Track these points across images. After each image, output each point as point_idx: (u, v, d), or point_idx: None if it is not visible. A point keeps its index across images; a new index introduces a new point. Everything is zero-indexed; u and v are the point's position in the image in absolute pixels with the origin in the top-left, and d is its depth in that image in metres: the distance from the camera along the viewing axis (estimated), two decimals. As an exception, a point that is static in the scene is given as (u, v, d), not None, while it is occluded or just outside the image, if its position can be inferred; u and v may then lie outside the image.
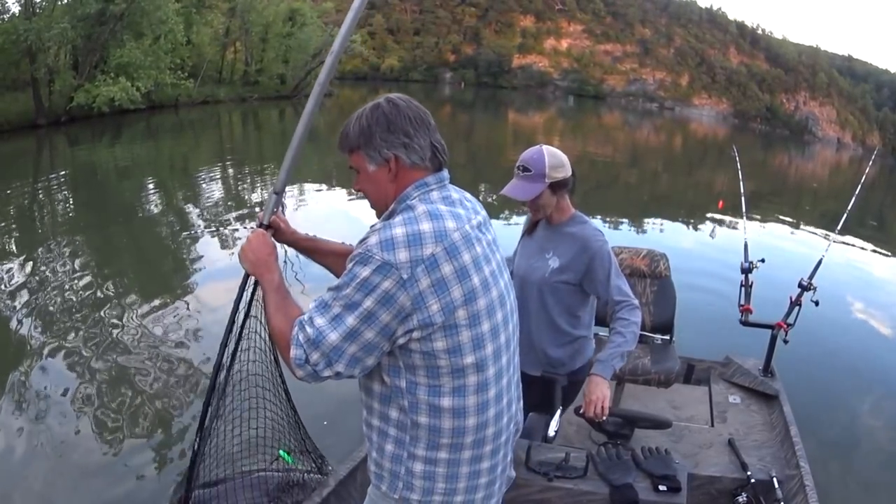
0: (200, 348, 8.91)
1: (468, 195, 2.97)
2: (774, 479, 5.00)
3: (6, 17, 32.44)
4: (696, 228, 21.11)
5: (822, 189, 40.46)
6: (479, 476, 2.87)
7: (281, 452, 4.20)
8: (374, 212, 2.94)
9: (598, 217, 19.00)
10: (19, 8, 32.60)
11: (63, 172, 23.58)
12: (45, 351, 8.74)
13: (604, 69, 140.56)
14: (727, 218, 19.29)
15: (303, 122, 3.06)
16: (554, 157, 4.34)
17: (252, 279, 3.15)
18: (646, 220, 21.28)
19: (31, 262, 12.55)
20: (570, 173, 4.41)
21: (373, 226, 2.69)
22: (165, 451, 6.75)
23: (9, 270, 11.88)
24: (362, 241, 2.58)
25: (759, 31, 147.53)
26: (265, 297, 2.86)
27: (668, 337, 6.52)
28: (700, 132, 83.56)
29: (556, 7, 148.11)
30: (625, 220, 20.92)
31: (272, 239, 3.11)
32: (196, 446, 2.91)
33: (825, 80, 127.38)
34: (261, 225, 3.14)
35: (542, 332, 4.62)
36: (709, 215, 21.96)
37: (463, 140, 42.22)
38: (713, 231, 17.17)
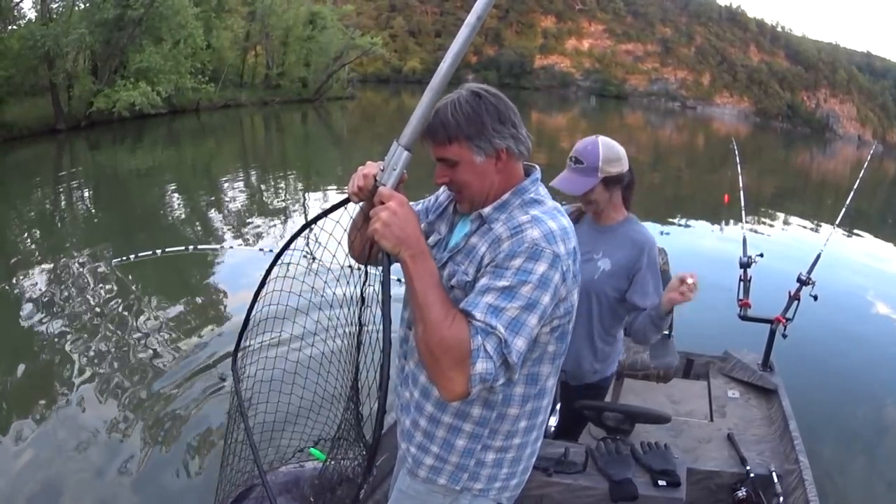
0: (221, 349, 8.86)
1: None
2: (773, 474, 5.01)
3: (22, 22, 32.64)
4: (697, 223, 21.15)
5: (843, 186, 40.31)
6: (533, 456, 2.96)
7: (312, 451, 4.09)
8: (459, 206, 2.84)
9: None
10: (36, 14, 32.85)
11: (84, 177, 23.67)
12: (67, 353, 8.76)
13: (625, 69, 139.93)
14: (729, 213, 19.24)
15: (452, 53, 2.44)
16: (610, 150, 4.18)
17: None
18: (648, 216, 21.25)
19: (52, 266, 12.63)
20: (626, 168, 4.25)
21: (497, 217, 2.64)
22: (196, 456, 6.73)
23: (31, 274, 12.01)
24: (515, 234, 2.49)
25: (779, 29, 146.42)
26: (418, 290, 2.39)
27: (666, 332, 6.46)
28: (722, 131, 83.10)
29: (576, 7, 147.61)
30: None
31: None
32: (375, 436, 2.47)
33: (845, 77, 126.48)
34: (378, 184, 2.55)
35: (580, 340, 4.40)
36: (713, 211, 21.94)
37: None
38: (717, 224, 17.17)
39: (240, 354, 3.59)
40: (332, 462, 3.53)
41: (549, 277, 2.42)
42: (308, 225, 2.96)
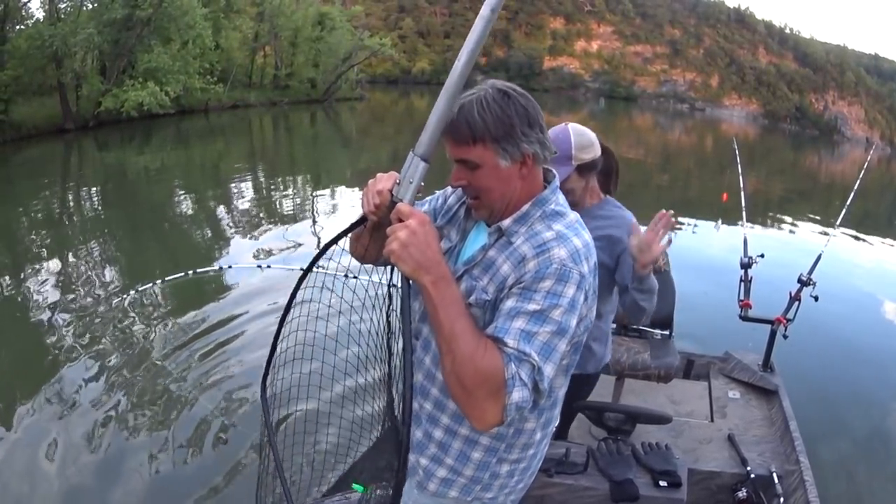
0: (229, 353, 8.83)
1: None
2: (774, 475, 5.01)
3: (30, 22, 32.73)
4: (699, 223, 21.01)
5: (851, 188, 40.31)
6: (541, 460, 2.89)
7: (355, 486, 3.95)
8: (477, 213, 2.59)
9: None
10: (44, 14, 32.98)
11: (92, 177, 23.86)
12: (73, 353, 8.73)
13: (634, 70, 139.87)
14: (730, 213, 19.24)
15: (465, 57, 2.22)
16: (581, 137, 4.06)
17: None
18: (639, 213, 21.24)
19: (60, 266, 12.66)
20: (598, 153, 4.13)
21: (517, 231, 2.46)
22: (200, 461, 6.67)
23: (39, 273, 12.01)
24: (541, 253, 2.33)
25: (788, 31, 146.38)
26: (443, 320, 2.21)
27: (667, 332, 6.49)
28: (731, 133, 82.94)
29: (585, 8, 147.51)
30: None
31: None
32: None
33: (853, 79, 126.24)
34: (395, 200, 2.34)
35: None
36: (715, 211, 21.93)
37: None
38: (718, 225, 17.17)
39: (268, 382, 3.41)
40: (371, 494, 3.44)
41: (576, 300, 2.32)
42: (329, 246, 2.74)
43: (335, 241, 2.72)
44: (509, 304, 2.32)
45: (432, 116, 2.27)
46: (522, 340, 2.22)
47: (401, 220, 2.23)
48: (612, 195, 4.47)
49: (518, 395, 2.18)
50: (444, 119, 2.29)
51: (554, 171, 2.67)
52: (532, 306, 2.27)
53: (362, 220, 2.57)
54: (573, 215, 2.55)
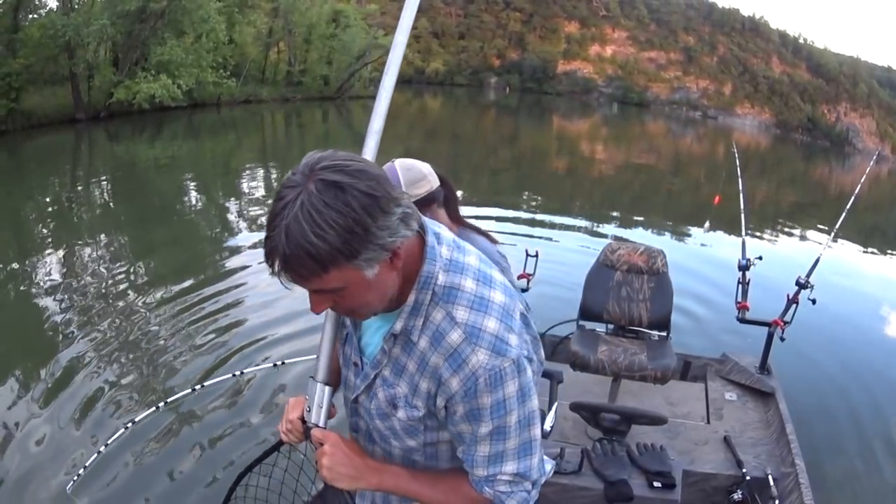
0: (232, 346, 8.81)
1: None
2: (770, 477, 5.03)
3: (44, 11, 32.87)
4: (694, 225, 20.96)
5: (860, 199, 40.11)
6: None
7: None
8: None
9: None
10: (57, 3, 33.05)
11: (101, 167, 24.03)
12: (75, 341, 8.72)
13: (648, 76, 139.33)
14: (730, 217, 19.20)
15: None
16: (410, 172, 3.69)
17: None
18: (646, 217, 21.48)
19: (66, 254, 12.70)
20: (435, 184, 3.77)
21: (414, 325, 2.06)
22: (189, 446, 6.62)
23: (45, 262, 12.11)
24: (458, 369, 1.99)
25: (801, 41, 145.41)
26: (406, 494, 2.24)
27: (664, 333, 6.55)
28: (742, 141, 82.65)
29: (600, 13, 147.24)
30: (625, 217, 21.27)
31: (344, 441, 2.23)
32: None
33: (865, 91, 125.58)
34: (309, 425, 2.27)
35: None
36: (716, 215, 21.89)
37: (507, 145, 41.88)
38: (707, 227, 17.20)
39: None
40: None
41: (525, 383, 2.05)
42: (244, 474, 2.75)
43: (250, 468, 2.72)
44: (462, 425, 2.12)
45: (323, 339, 2.25)
46: (492, 465, 2.14)
47: (322, 443, 2.20)
48: (459, 220, 4.07)
49: (514, 501, 2.18)
50: (333, 341, 2.28)
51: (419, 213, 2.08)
52: (484, 429, 2.07)
53: (278, 445, 2.56)
54: (468, 279, 2.11)
